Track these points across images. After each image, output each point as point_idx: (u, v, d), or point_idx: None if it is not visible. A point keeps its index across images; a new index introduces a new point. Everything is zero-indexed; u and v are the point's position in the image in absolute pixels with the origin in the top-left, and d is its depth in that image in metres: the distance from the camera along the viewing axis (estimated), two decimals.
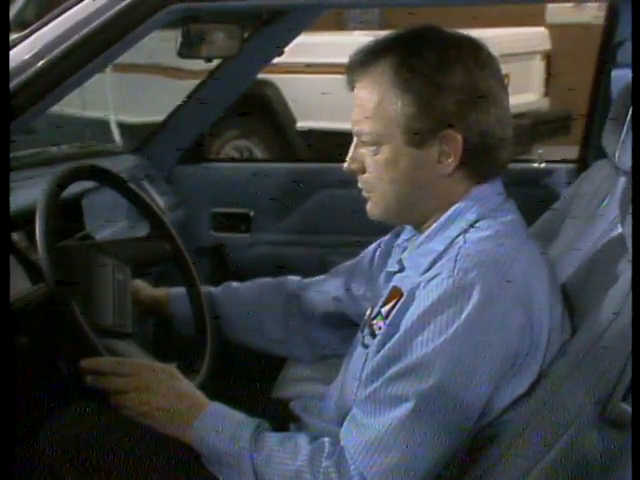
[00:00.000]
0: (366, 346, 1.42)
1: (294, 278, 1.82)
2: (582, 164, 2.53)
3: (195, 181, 2.72)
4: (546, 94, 6.10)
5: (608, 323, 1.26)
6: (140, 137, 2.75)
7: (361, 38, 4.58)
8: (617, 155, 1.65)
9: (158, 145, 2.66)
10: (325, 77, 5.19)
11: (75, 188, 1.78)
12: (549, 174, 2.59)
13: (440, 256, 1.33)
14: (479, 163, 1.36)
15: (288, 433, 1.44)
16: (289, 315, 1.76)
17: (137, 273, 1.75)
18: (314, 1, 1.79)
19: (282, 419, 1.55)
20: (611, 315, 1.26)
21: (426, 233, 1.39)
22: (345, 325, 1.71)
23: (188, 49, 1.91)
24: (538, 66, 6.05)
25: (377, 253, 1.66)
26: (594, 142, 2.50)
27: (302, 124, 5.64)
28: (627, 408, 1.23)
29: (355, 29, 7.66)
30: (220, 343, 1.73)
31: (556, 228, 1.79)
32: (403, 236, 1.52)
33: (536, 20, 6.38)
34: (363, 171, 1.39)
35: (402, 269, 1.43)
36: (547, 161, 2.67)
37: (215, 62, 2.37)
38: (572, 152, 2.70)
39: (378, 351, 1.32)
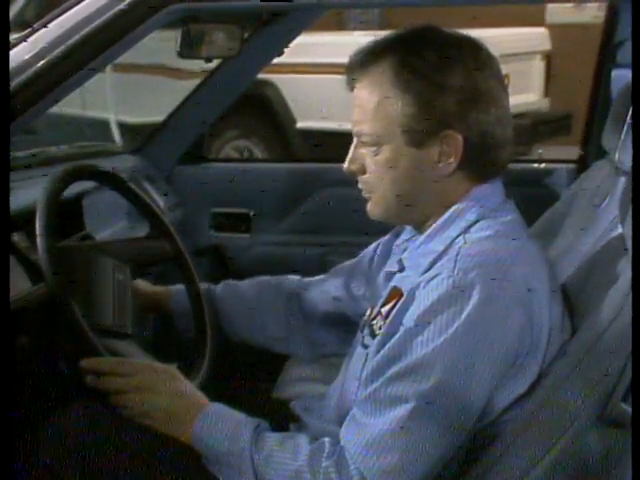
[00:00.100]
0: (366, 346, 1.42)
1: (294, 277, 1.82)
2: (582, 164, 2.53)
3: (195, 181, 2.72)
4: (546, 94, 6.10)
5: (608, 323, 1.26)
6: (140, 137, 2.75)
7: (361, 38, 4.59)
8: (617, 155, 1.65)
9: (158, 145, 2.66)
10: (325, 77, 5.18)
11: (75, 188, 1.78)
12: (549, 174, 2.58)
13: (440, 256, 1.33)
14: (479, 163, 1.36)
15: (288, 433, 1.44)
16: (289, 314, 1.76)
17: (137, 273, 1.75)
18: (314, 1, 1.79)
19: (282, 419, 1.55)
20: (611, 315, 1.26)
21: (426, 233, 1.39)
22: (345, 325, 1.71)
23: (188, 49, 1.91)
24: (538, 66, 6.04)
25: (377, 253, 1.66)
26: (594, 142, 2.50)
27: (302, 124, 5.64)
28: (627, 408, 1.23)
29: (355, 29, 7.66)
30: (220, 343, 1.73)
31: (556, 228, 1.79)
32: (403, 236, 1.52)
33: (536, 20, 6.38)
34: (363, 172, 1.39)
35: (402, 269, 1.43)
36: (547, 161, 2.67)
37: (215, 62, 2.37)
38: (572, 152, 2.70)
39: (378, 351, 1.32)
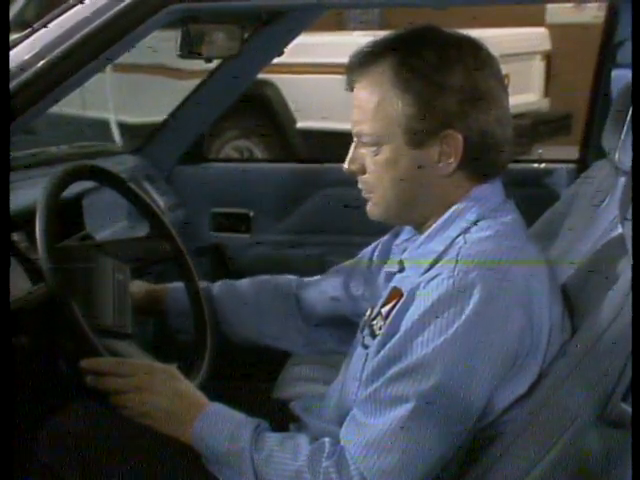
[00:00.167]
0: (366, 346, 1.41)
1: (292, 277, 1.81)
2: (582, 164, 2.53)
3: (195, 181, 2.72)
4: (546, 94, 6.10)
5: (608, 323, 1.26)
6: (140, 137, 2.75)
7: (361, 38, 4.59)
8: (617, 155, 1.65)
9: (158, 145, 2.66)
10: (325, 77, 5.19)
11: (75, 188, 1.78)
12: (549, 174, 2.59)
13: (440, 256, 1.33)
14: (479, 163, 1.36)
15: (288, 433, 1.44)
16: (287, 314, 1.76)
17: (137, 273, 1.74)
18: (314, 1, 1.79)
19: (282, 419, 1.55)
20: (611, 315, 1.26)
21: (426, 233, 1.39)
22: (343, 325, 1.71)
23: (188, 49, 1.91)
24: (538, 66, 6.05)
25: (375, 253, 1.66)
26: (594, 142, 2.50)
27: (302, 124, 5.65)
28: (627, 408, 1.23)
29: (355, 29, 7.66)
30: (220, 343, 1.73)
31: (556, 228, 1.79)
32: (402, 236, 1.52)
33: (536, 20, 6.39)
34: (363, 172, 1.39)
35: (402, 269, 1.43)
36: (547, 161, 2.67)
37: (215, 62, 2.37)
38: (572, 152, 2.70)
39: (378, 351, 1.32)
